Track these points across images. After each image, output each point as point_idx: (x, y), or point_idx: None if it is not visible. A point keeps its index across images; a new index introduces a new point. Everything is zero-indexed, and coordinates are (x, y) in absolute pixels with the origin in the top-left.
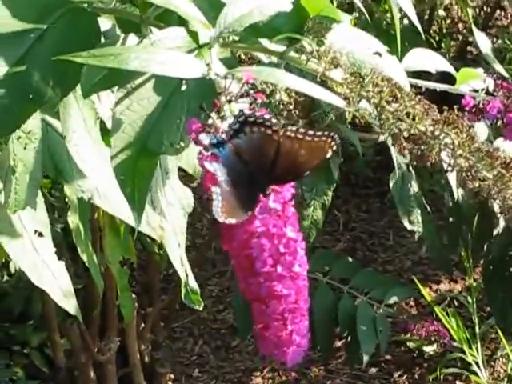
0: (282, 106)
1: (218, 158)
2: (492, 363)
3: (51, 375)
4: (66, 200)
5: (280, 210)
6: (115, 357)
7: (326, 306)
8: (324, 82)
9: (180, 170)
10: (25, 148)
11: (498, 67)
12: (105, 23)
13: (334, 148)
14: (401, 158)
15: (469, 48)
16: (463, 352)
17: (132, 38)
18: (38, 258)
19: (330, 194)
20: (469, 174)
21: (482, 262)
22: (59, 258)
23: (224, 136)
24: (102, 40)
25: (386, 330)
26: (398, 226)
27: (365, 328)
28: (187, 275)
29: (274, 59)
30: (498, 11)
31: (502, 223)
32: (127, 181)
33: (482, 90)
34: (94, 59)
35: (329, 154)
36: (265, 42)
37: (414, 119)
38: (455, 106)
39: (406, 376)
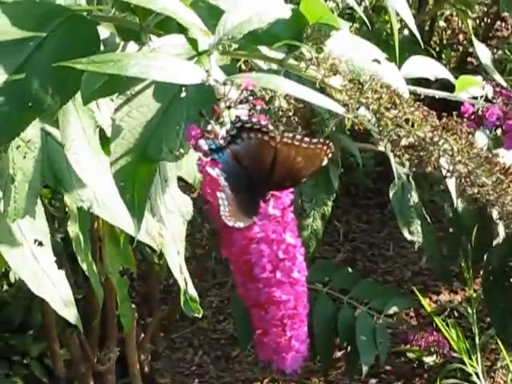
0: (281, 113)
1: (217, 164)
2: (492, 374)
3: None
4: (66, 210)
5: (279, 216)
6: (115, 367)
7: (325, 317)
8: (323, 89)
9: (180, 179)
10: (24, 157)
11: (498, 78)
12: (104, 31)
13: (330, 156)
14: (401, 168)
15: (469, 59)
16: (463, 363)
17: (131, 46)
18: (37, 267)
19: (330, 204)
20: (468, 180)
21: (482, 272)
22: (59, 268)
23: (222, 142)
24: (102, 48)
25: (385, 340)
26: (398, 237)
27: (364, 338)
28: (186, 283)
29: (274, 66)
30: (498, 22)
31: (501, 233)
32: (127, 187)
33: (481, 97)
34: (94, 65)
35: (325, 162)
36: (264, 49)
37: (412, 125)
38: (454, 113)
39: None
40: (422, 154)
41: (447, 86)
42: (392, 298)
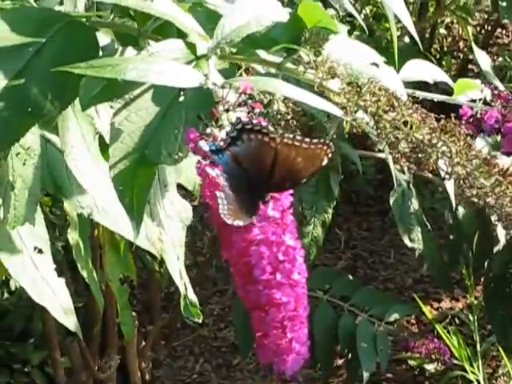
0: (279, 116)
1: (217, 166)
2: (493, 381)
3: None
4: (67, 218)
5: (279, 218)
6: (115, 375)
7: (326, 324)
8: (321, 93)
9: (180, 187)
10: (24, 164)
11: (499, 84)
12: (104, 38)
13: (330, 155)
14: (401, 175)
15: (470, 66)
16: (464, 370)
17: (130, 51)
18: (37, 275)
19: (330, 211)
20: (466, 181)
21: (482, 279)
22: (59, 276)
23: (222, 144)
24: (100, 54)
25: (386, 347)
26: (399, 244)
27: (365, 346)
28: (186, 288)
29: (272, 71)
30: (498, 29)
31: (502, 240)
32: (125, 191)
33: (480, 100)
34: (92, 70)
35: (325, 162)
36: (262, 53)
37: (411, 128)
38: (452, 115)
39: None
40: (420, 156)
41: (448, 93)
42: (393, 305)
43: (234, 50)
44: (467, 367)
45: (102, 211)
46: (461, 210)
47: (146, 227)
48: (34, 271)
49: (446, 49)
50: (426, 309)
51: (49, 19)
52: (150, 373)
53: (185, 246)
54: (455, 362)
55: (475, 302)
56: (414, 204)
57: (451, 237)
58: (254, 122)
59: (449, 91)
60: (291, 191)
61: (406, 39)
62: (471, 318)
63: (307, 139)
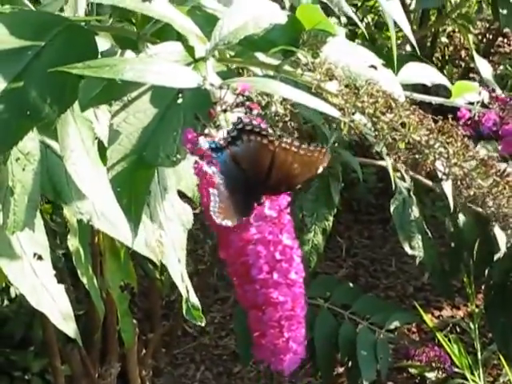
0: (277, 118)
1: (215, 164)
2: None
3: None
4: (67, 225)
5: (276, 218)
6: (116, 382)
7: (326, 332)
8: (319, 95)
9: (184, 196)
10: (23, 169)
11: (499, 93)
12: (104, 44)
13: (326, 164)
14: (402, 183)
15: (471, 75)
16: (465, 378)
17: (129, 54)
18: (37, 281)
19: (331, 218)
20: (464, 182)
21: (483, 287)
22: (59, 282)
23: (222, 142)
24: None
25: (387, 355)
26: (400, 253)
27: (365, 353)
28: (188, 291)
29: (270, 74)
30: (500, 38)
31: (502, 248)
32: (123, 192)
33: (478, 102)
34: (90, 70)
35: (320, 170)
36: (260, 56)
37: (408, 129)
38: (449, 116)
39: None
40: (417, 157)
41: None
42: (393, 313)
43: (233, 53)
44: (468, 375)
45: (101, 217)
46: (461, 218)
47: (145, 233)
48: (33, 277)
49: (447, 57)
50: (427, 317)
51: (48, 23)
52: (150, 381)
53: (186, 253)
54: (456, 370)
55: (476, 310)
56: (415, 212)
57: (452, 244)
58: (255, 123)
59: (448, 97)
60: (288, 191)
61: (408, 48)
62: (472, 327)
63: (305, 145)
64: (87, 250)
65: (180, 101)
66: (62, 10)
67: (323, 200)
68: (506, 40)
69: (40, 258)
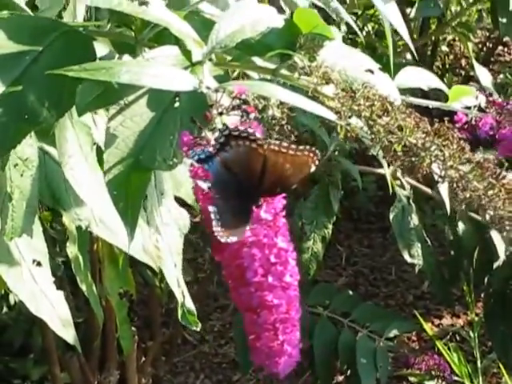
0: (274, 122)
1: (208, 173)
2: None
3: None
4: (67, 232)
5: (271, 221)
6: None
7: (326, 340)
8: (316, 98)
9: (185, 204)
10: (22, 175)
11: (496, 97)
12: (102, 49)
13: (317, 163)
14: (401, 190)
15: (471, 83)
16: None
17: (126, 58)
18: (36, 288)
19: (330, 226)
20: (459, 184)
21: (482, 295)
22: (58, 289)
23: (211, 150)
24: None
25: (386, 364)
26: (400, 261)
27: (365, 361)
28: (184, 296)
29: (267, 77)
30: (500, 47)
31: (502, 256)
32: (120, 195)
33: (475, 106)
34: (86, 73)
35: (313, 169)
36: (257, 60)
37: (405, 132)
38: (446, 119)
39: None
40: (413, 159)
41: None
42: (393, 322)
43: (230, 58)
44: None
45: (99, 223)
46: (461, 226)
47: (142, 238)
48: (32, 284)
49: (447, 66)
50: (427, 325)
51: (46, 28)
52: None
53: (186, 262)
54: (456, 378)
55: (476, 318)
56: (414, 219)
57: (451, 252)
58: (241, 128)
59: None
60: (284, 194)
61: (408, 56)
62: (472, 335)
63: (293, 146)
64: (86, 257)
65: (177, 105)
66: (60, 16)
67: (322, 208)
68: (506, 49)
69: (39, 264)
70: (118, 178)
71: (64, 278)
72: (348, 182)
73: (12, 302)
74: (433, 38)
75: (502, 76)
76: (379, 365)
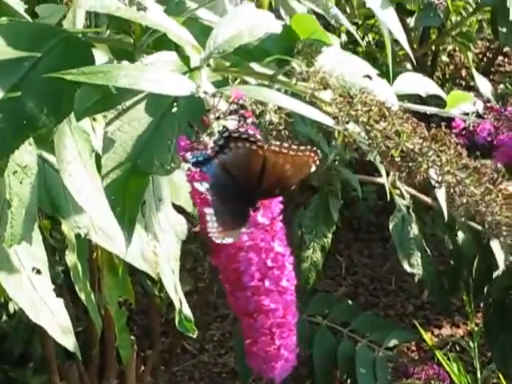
0: (271, 127)
1: (205, 175)
2: None
3: None
4: (66, 240)
5: (268, 225)
6: None
7: (325, 349)
8: (313, 104)
9: (181, 210)
10: (21, 182)
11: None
12: (101, 57)
13: (317, 163)
14: (401, 200)
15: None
16: None
17: (125, 64)
18: (35, 295)
19: (330, 235)
20: (456, 189)
21: (482, 305)
22: (58, 297)
23: (210, 152)
24: None
25: (385, 373)
26: (400, 271)
27: (364, 371)
28: (181, 302)
29: (265, 83)
30: (500, 57)
31: (501, 265)
32: (117, 200)
33: (473, 113)
34: (84, 76)
35: (313, 169)
36: (255, 66)
37: (402, 137)
38: (443, 123)
39: None
40: (410, 165)
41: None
42: (392, 331)
43: (228, 64)
44: None
45: (98, 231)
46: (460, 235)
47: (141, 245)
48: (32, 291)
49: (447, 76)
50: (427, 335)
51: (45, 34)
52: None
53: (186, 271)
54: None
55: (476, 328)
56: (414, 229)
57: (451, 262)
58: (241, 130)
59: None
60: (281, 199)
61: (409, 66)
62: (472, 345)
63: (294, 146)
64: (85, 266)
65: (175, 110)
66: (60, 24)
67: (322, 217)
68: (506, 59)
69: (38, 272)
70: (115, 182)
71: (63, 286)
72: (348, 191)
73: (12, 310)
74: (433, 48)
75: (502, 86)
76: (379, 374)
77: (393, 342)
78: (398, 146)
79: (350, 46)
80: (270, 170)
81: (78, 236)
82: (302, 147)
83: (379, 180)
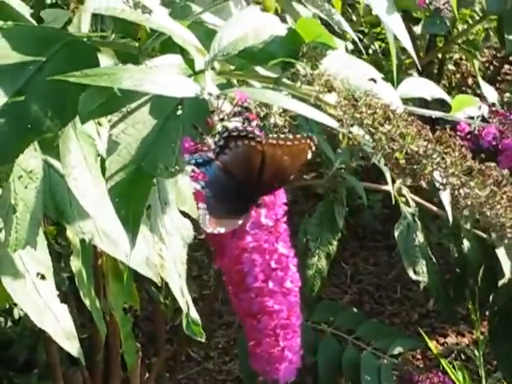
0: (276, 129)
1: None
2: None
3: None
4: (71, 246)
5: (272, 226)
6: None
7: (330, 356)
8: (318, 106)
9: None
10: (26, 187)
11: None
12: (106, 61)
13: (313, 148)
14: (407, 208)
15: None
16: None
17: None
18: (40, 300)
19: (335, 243)
20: (461, 192)
21: (487, 313)
22: (62, 302)
23: (211, 154)
24: None
25: (390, 381)
26: (406, 279)
27: (369, 378)
28: (188, 306)
29: (269, 86)
30: (506, 66)
31: (507, 273)
32: (122, 203)
33: (478, 117)
34: (88, 78)
35: (309, 155)
36: (260, 69)
37: (406, 139)
38: (447, 126)
39: None
40: (415, 167)
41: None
42: (397, 339)
43: (232, 67)
44: None
45: (103, 236)
46: (466, 244)
47: (146, 250)
48: (36, 296)
49: (454, 84)
50: (432, 343)
51: (50, 38)
52: None
53: (191, 279)
54: None
55: (481, 337)
56: (419, 237)
57: (457, 270)
58: (241, 127)
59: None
60: (285, 201)
61: (415, 74)
62: (477, 354)
63: (290, 136)
64: (90, 272)
65: (179, 113)
66: (65, 28)
67: (327, 224)
68: None
69: (43, 277)
70: (120, 185)
71: (69, 293)
72: (354, 199)
73: (16, 316)
74: (439, 55)
75: (508, 95)
76: (383, 382)
77: (398, 350)
78: (402, 149)
79: (357, 54)
80: (269, 163)
81: (82, 241)
82: (298, 136)
83: (385, 187)
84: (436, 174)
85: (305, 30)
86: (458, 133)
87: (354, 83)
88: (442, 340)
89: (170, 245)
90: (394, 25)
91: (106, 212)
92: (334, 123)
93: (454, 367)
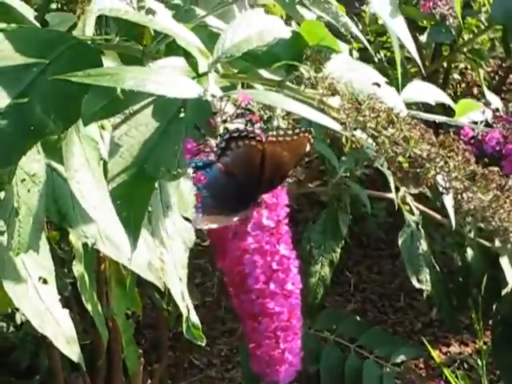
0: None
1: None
2: None
3: None
4: (73, 250)
5: (273, 228)
6: None
7: (333, 364)
8: (321, 110)
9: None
10: (29, 191)
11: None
12: (110, 64)
13: (312, 141)
14: (410, 216)
15: None
16: None
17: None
18: (41, 305)
19: (339, 250)
20: (464, 195)
21: (491, 322)
22: (64, 307)
23: (212, 156)
24: None
25: None
26: (409, 288)
27: None
28: (188, 310)
29: (272, 89)
30: (511, 75)
31: (510, 283)
32: (123, 205)
33: (481, 122)
34: (90, 78)
35: (308, 148)
36: (264, 73)
37: (410, 143)
38: (451, 130)
39: None
40: (418, 171)
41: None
42: (400, 348)
43: (236, 70)
44: None
45: (105, 241)
46: (469, 252)
47: (148, 254)
48: (37, 301)
49: (459, 94)
50: (435, 352)
51: (54, 41)
52: None
53: (194, 286)
54: None
55: (484, 346)
56: (423, 245)
57: (460, 279)
58: (241, 128)
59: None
60: (287, 202)
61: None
62: (480, 363)
63: (289, 131)
64: (92, 276)
65: (182, 115)
66: (69, 31)
67: (331, 232)
68: None
69: (45, 281)
70: (121, 187)
71: (71, 298)
72: (358, 208)
73: (18, 321)
74: (445, 64)
75: None
76: None
77: (400, 358)
78: (405, 152)
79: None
80: (269, 161)
81: (85, 246)
82: (296, 130)
83: (389, 195)
84: (439, 178)
85: (309, 33)
86: (462, 138)
87: (357, 87)
88: (444, 349)
89: (171, 248)
90: (398, 28)
91: (109, 215)
92: (337, 126)
93: (456, 376)
